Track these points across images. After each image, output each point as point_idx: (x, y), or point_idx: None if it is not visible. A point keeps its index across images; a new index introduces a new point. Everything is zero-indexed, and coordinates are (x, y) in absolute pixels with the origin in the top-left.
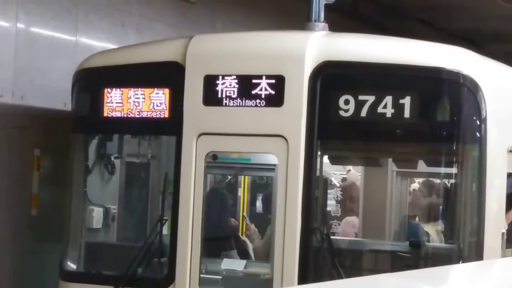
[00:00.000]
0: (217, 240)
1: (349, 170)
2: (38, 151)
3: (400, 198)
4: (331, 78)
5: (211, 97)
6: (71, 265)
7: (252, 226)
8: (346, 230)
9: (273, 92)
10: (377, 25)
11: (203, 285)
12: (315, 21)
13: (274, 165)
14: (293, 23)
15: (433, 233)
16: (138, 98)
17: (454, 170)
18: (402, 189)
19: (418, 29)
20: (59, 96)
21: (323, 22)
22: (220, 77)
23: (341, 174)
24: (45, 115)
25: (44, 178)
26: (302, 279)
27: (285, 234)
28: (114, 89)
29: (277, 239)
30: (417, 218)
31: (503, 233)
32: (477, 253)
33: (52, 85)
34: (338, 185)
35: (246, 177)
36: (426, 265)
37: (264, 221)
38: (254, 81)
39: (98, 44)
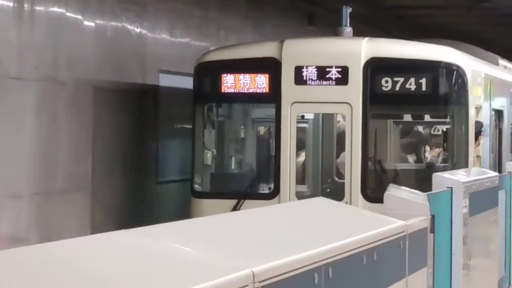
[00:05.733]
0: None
1: (339, 121)
2: None
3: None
4: (376, 67)
5: (300, 79)
6: (198, 187)
7: None
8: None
9: (340, 76)
10: None
11: (296, 196)
12: (345, 26)
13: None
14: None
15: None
16: (247, 80)
17: (449, 119)
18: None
19: None
20: None
21: (349, 26)
22: (305, 67)
23: None
24: None
25: None
26: (363, 189)
27: (352, 161)
28: (228, 74)
29: (346, 165)
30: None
31: (473, 157)
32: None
33: None
34: None
35: None
36: None
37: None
38: (327, 69)
39: None
